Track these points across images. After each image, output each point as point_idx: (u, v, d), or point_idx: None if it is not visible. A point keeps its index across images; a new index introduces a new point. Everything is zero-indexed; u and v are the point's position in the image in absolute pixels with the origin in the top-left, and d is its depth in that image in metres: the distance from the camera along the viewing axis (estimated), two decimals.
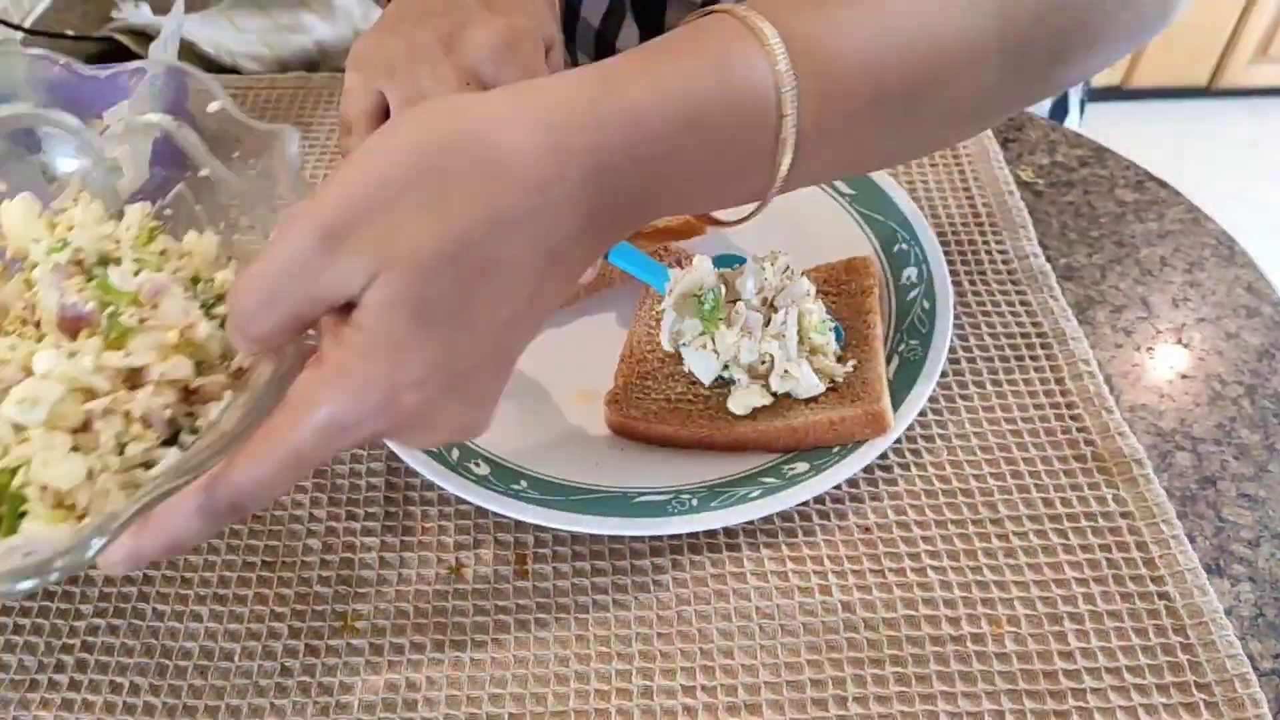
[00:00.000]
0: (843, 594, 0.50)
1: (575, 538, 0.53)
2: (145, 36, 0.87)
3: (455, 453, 0.55)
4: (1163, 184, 0.73)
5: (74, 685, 0.48)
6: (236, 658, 0.49)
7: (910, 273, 0.63)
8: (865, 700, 0.47)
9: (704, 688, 0.47)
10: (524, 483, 0.53)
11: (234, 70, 0.87)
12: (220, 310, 0.48)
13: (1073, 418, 0.57)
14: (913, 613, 0.50)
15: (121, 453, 0.43)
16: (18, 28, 0.91)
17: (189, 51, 0.87)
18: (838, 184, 0.70)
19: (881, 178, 0.69)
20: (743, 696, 0.47)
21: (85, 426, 0.43)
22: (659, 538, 0.53)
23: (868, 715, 0.46)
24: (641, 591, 0.51)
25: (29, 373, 0.44)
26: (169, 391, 0.44)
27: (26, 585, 0.36)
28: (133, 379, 0.45)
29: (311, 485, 0.56)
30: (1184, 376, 0.60)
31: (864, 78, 0.41)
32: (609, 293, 0.64)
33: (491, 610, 0.50)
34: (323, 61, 0.91)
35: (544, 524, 0.51)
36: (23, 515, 0.41)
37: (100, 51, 0.90)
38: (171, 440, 0.45)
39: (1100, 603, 0.50)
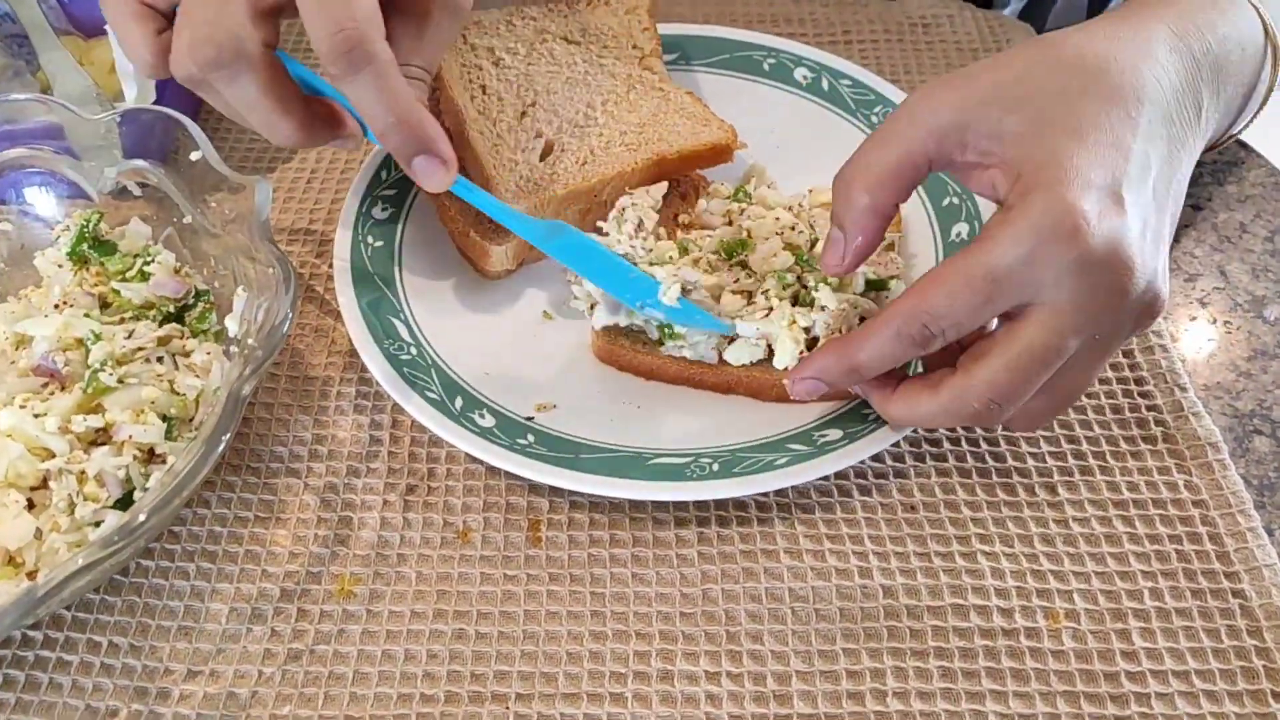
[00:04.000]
0: (884, 577, 0.46)
1: (593, 504, 0.49)
2: None
3: (459, 402, 0.50)
4: (1243, 144, 0.67)
5: (48, 643, 0.44)
6: (223, 619, 0.45)
7: (961, 229, 0.58)
8: (906, 696, 0.42)
9: (730, 674, 0.43)
10: (531, 438, 0.49)
11: None
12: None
13: (1142, 395, 0.52)
14: (961, 601, 0.45)
15: (72, 512, 0.43)
16: None
17: None
18: None
19: None
20: (771, 686, 0.43)
21: (43, 484, 0.44)
22: (683, 505, 0.48)
23: (908, 713, 0.42)
24: (663, 565, 0.47)
25: None
26: (132, 451, 0.45)
27: None
28: (98, 436, 0.46)
29: (311, 437, 0.52)
30: (1264, 354, 0.55)
31: None
32: None
33: (500, 579, 0.46)
34: None
35: (551, 482, 0.47)
36: None
37: None
38: (127, 499, 0.45)
39: (1168, 599, 0.45)
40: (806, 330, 0.51)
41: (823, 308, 0.50)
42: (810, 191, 0.59)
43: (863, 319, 0.51)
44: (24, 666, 0.44)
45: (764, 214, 0.55)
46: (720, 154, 0.59)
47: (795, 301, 0.52)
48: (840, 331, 0.50)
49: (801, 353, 0.50)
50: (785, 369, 0.50)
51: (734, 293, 0.52)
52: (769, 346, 0.51)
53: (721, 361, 0.51)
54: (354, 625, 0.45)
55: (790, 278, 0.52)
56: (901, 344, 0.43)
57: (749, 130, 0.62)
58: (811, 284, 0.51)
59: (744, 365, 0.51)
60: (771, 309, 0.51)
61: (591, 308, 0.54)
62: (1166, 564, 0.46)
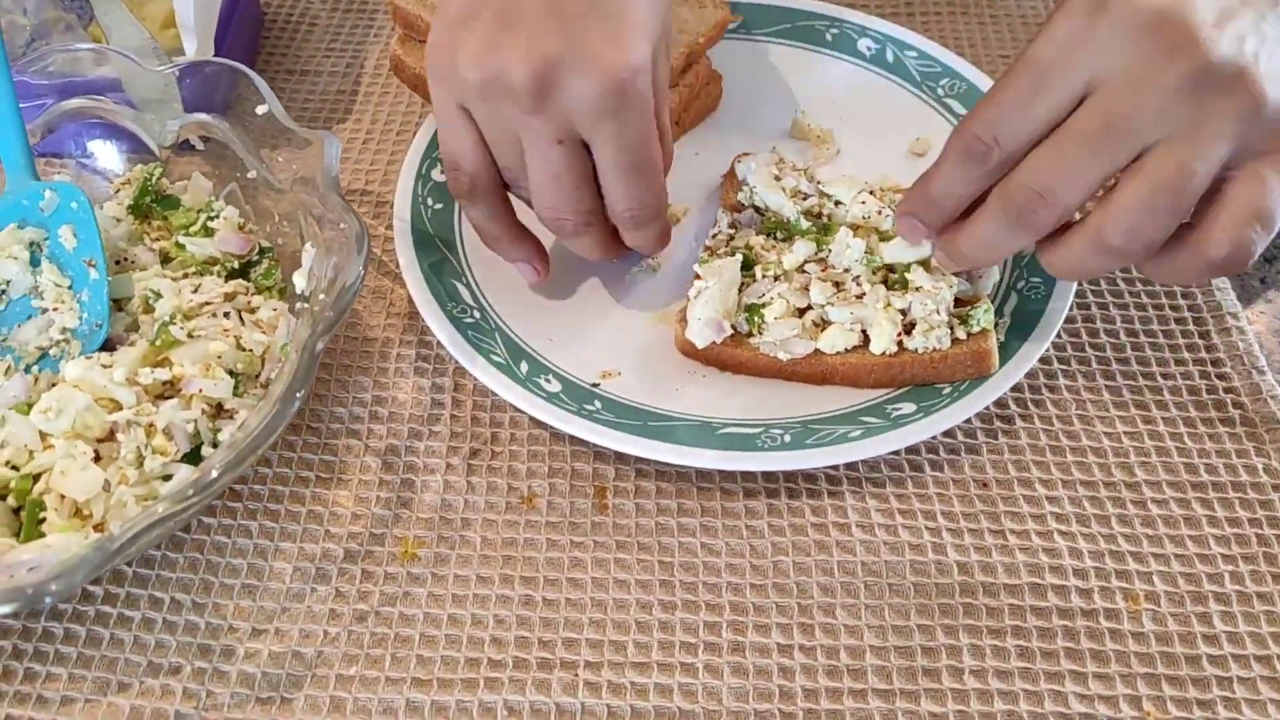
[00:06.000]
0: (958, 554, 0.45)
1: (660, 472, 0.48)
2: None
3: (524, 366, 0.49)
4: None
5: (109, 599, 0.44)
6: (287, 579, 0.45)
7: None
8: (983, 674, 0.42)
9: (802, 648, 0.42)
10: (598, 404, 0.48)
11: None
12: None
13: (1219, 376, 0.51)
14: (1038, 580, 0.44)
15: (140, 465, 0.43)
16: None
17: None
18: (949, 103, 0.63)
19: None
20: (845, 660, 0.42)
21: (110, 436, 0.44)
22: (751, 475, 0.48)
23: (985, 691, 0.41)
24: (733, 536, 0.46)
25: None
26: (200, 405, 0.44)
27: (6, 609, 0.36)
28: (165, 389, 0.45)
29: (371, 398, 0.51)
30: None
31: None
32: (685, 219, 0.58)
33: (566, 546, 0.46)
34: None
35: (620, 449, 0.46)
36: (41, 522, 0.42)
37: None
38: (194, 454, 0.44)
39: (1249, 583, 0.44)
40: (903, 312, 0.49)
41: (917, 288, 0.49)
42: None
43: (958, 301, 0.50)
44: (85, 621, 0.43)
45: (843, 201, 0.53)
46: (722, 29, 0.61)
47: (886, 285, 0.51)
48: (938, 312, 0.48)
49: (899, 335, 0.48)
50: (884, 354, 0.49)
51: (820, 280, 0.50)
52: (863, 332, 0.50)
53: (816, 351, 0.50)
54: (419, 588, 0.44)
55: (878, 260, 0.50)
56: (964, 163, 0.43)
57: (811, 101, 0.61)
58: (902, 266, 0.50)
59: (839, 353, 0.49)
60: (863, 294, 0.50)
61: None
62: (1246, 548, 0.45)
